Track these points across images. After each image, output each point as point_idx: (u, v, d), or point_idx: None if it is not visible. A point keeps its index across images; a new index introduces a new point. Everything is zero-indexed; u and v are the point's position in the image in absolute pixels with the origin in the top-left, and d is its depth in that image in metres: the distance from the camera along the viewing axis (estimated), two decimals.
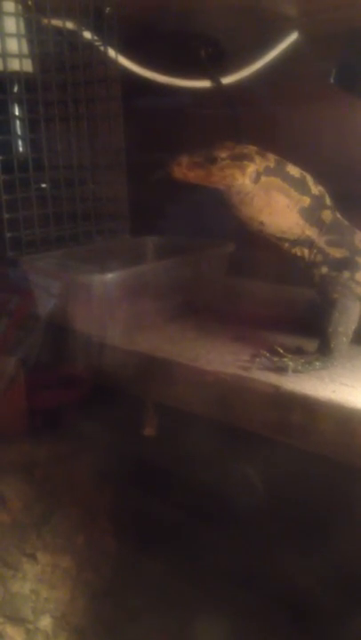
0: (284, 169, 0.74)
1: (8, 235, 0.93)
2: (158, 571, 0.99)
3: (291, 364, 0.71)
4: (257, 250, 0.81)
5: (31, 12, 0.92)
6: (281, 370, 0.71)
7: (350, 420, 0.63)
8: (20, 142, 0.97)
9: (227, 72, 1.03)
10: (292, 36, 0.99)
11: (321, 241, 0.76)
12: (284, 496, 0.92)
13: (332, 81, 0.93)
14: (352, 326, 0.73)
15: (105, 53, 0.98)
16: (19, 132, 0.97)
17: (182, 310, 0.91)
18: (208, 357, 0.77)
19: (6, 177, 0.92)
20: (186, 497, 1.01)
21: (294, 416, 0.67)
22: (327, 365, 0.72)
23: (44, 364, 0.93)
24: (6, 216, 0.92)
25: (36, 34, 0.92)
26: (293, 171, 0.75)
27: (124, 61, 1.00)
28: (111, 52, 0.99)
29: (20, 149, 0.97)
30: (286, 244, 0.77)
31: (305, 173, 0.75)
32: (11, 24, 0.91)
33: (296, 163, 0.75)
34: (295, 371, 0.70)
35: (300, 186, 0.75)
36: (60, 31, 0.95)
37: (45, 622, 0.91)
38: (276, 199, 0.74)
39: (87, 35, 0.97)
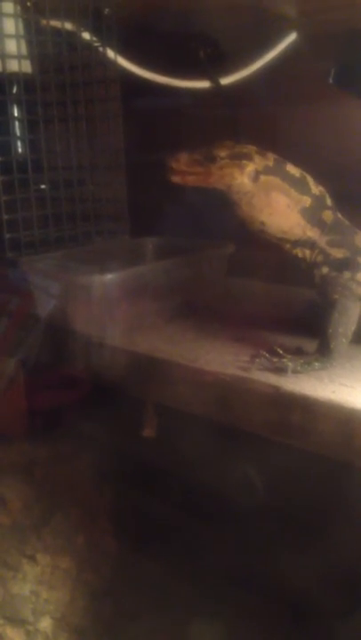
0: (283, 168, 0.74)
1: (7, 236, 0.93)
2: (158, 571, 0.99)
3: (290, 364, 0.71)
4: (257, 250, 0.81)
5: (30, 13, 0.92)
6: (280, 370, 0.71)
7: (350, 420, 0.63)
8: (18, 143, 0.97)
9: (226, 72, 1.03)
10: (292, 37, 0.99)
11: (322, 242, 0.76)
12: (284, 496, 0.92)
13: (331, 81, 0.93)
14: (352, 327, 0.72)
15: (104, 54, 0.98)
16: (18, 132, 0.97)
17: (182, 311, 0.90)
18: (208, 358, 0.76)
19: (5, 178, 0.92)
20: (186, 497, 1.01)
21: (294, 416, 0.67)
22: (327, 366, 0.71)
23: (44, 364, 0.93)
24: (5, 217, 0.92)
25: (34, 35, 0.92)
26: (293, 170, 0.74)
27: (123, 62, 1.00)
28: (110, 53, 0.99)
29: (19, 150, 0.97)
30: (288, 245, 0.76)
31: (305, 173, 0.75)
32: (10, 25, 0.91)
33: (295, 163, 0.75)
34: (295, 371, 0.70)
35: (301, 186, 0.74)
36: (58, 32, 0.95)
37: (45, 623, 0.92)
38: (276, 199, 0.74)
39: (86, 35, 0.97)
